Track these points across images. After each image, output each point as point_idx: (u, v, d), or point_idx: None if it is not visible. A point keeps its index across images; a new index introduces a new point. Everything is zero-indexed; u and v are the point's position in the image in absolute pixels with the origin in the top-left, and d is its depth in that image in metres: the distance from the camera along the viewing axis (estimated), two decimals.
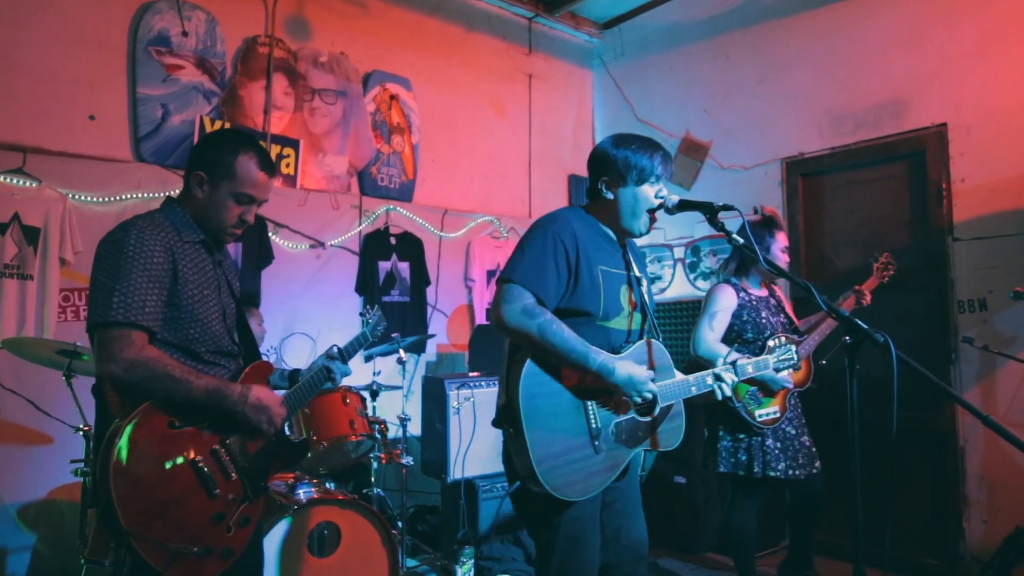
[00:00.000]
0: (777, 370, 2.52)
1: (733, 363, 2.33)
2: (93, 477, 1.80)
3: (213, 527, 1.87)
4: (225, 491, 1.90)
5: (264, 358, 2.20)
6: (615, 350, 2.15)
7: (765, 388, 3.21)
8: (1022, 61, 3.76)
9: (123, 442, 1.75)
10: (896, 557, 3.95)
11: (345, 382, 3.50)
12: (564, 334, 1.99)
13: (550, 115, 5.99)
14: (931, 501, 3.99)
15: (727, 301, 3.26)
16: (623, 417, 2.12)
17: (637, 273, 2.29)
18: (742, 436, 3.23)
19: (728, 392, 2.27)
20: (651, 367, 2.18)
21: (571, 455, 2.02)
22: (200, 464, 1.86)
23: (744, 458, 3.21)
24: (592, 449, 2.05)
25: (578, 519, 2.07)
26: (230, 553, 1.90)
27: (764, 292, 3.42)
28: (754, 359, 2.42)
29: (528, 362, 2.02)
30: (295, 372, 2.32)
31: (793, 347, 2.54)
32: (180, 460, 1.84)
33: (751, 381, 3.18)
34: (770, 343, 2.48)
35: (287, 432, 2.15)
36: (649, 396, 2.10)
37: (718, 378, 2.26)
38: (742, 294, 3.30)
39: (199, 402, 1.84)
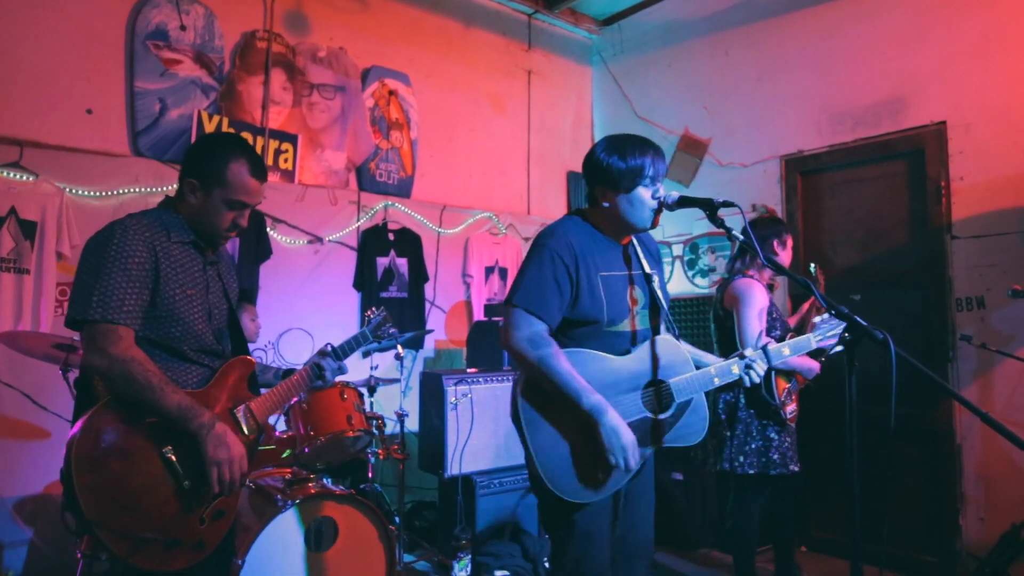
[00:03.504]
0: (825, 347, 2.31)
1: (764, 348, 2.19)
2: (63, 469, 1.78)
3: (184, 518, 1.87)
4: (197, 483, 1.89)
5: (259, 355, 2.19)
6: (623, 353, 2.13)
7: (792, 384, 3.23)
8: (1021, 60, 3.76)
9: (87, 432, 1.77)
10: (893, 554, 3.96)
11: (343, 378, 3.52)
12: (561, 368, 1.99)
13: (549, 111, 5.99)
14: (928, 498, 3.99)
15: (765, 298, 3.21)
16: (635, 417, 2.08)
17: (648, 269, 2.25)
18: (773, 435, 3.20)
19: (758, 379, 2.16)
20: (657, 365, 2.12)
21: (578, 460, 2.02)
22: (168, 455, 1.85)
23: (776, 457, 3.18)
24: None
25: (592, 515, 2.08)
26: (202, 545, 1.89)
27: None
28: (790, 340, 2.26)
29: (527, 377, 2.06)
30: (289, 371, 2.31)
31: (837, 321, 2.24)
32: (146, 451, 1.84)
33: (788, 375, 3.19)
34: (815, 319, 2.36)
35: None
36: (622, 464, 1.97)
37: (748, 366, 2.15)
38: (767, 291, 3.27)
39: (165, 414, 1.83)
